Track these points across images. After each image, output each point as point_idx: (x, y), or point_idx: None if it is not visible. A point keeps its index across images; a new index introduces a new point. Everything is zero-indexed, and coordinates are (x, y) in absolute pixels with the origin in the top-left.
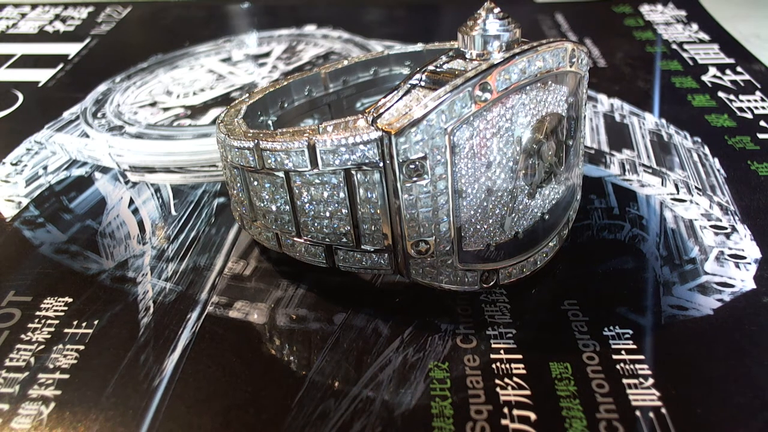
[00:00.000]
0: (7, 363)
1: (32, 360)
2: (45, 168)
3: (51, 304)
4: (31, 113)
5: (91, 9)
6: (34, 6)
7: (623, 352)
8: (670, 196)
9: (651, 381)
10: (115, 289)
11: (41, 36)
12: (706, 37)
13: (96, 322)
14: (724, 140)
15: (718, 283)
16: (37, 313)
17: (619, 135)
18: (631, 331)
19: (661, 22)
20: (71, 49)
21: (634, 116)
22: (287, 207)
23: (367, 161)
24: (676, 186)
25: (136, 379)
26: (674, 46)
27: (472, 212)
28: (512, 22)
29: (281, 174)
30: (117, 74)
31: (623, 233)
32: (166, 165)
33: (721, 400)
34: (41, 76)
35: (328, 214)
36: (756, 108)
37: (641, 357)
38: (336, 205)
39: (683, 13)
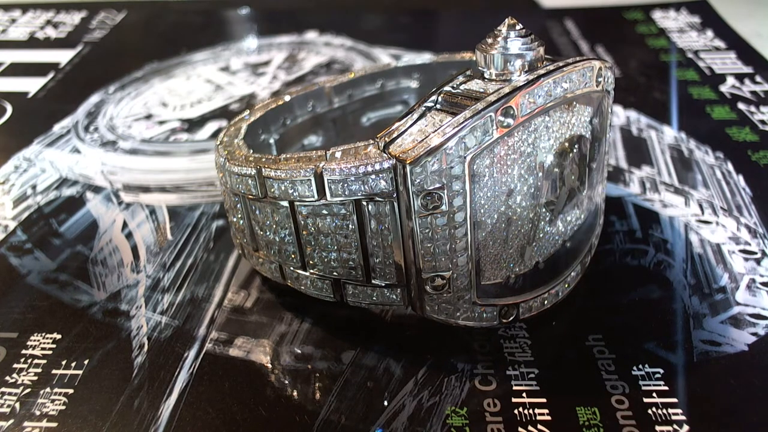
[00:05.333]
0: None
1: (17, 406)
2: (34, 187)
3: (38, 341)
4: (19, 126)
5: (84, 14)
6: (25, 10)
7: (654, 394)
8: (695, 218)
9: (686, 429)
10: (107, 324)
11: (31, 42)
12: (722, 45)
13: (86, 362)
14: (747, 156)
15: (751, 315)
16: (24, 351)
17: (637, 150)
18: (661, 370)
19: (674, 29)
20: (62, 56)
21: (652, 130)
22: (292, 238)
23: (379, 191)
24: (701, 206)
25: (129, 428)
26: (689, 54)
27: (491, 243)
28: (535, 40)
29: (285, 203)
30: (110, 84)
31: (647, 259)
32: (162, 184)
33: None
34: (31, 86)
35: (336, 247)
36: None
37: (674, 400)
38: (345, 237)
39: (697, 19)
